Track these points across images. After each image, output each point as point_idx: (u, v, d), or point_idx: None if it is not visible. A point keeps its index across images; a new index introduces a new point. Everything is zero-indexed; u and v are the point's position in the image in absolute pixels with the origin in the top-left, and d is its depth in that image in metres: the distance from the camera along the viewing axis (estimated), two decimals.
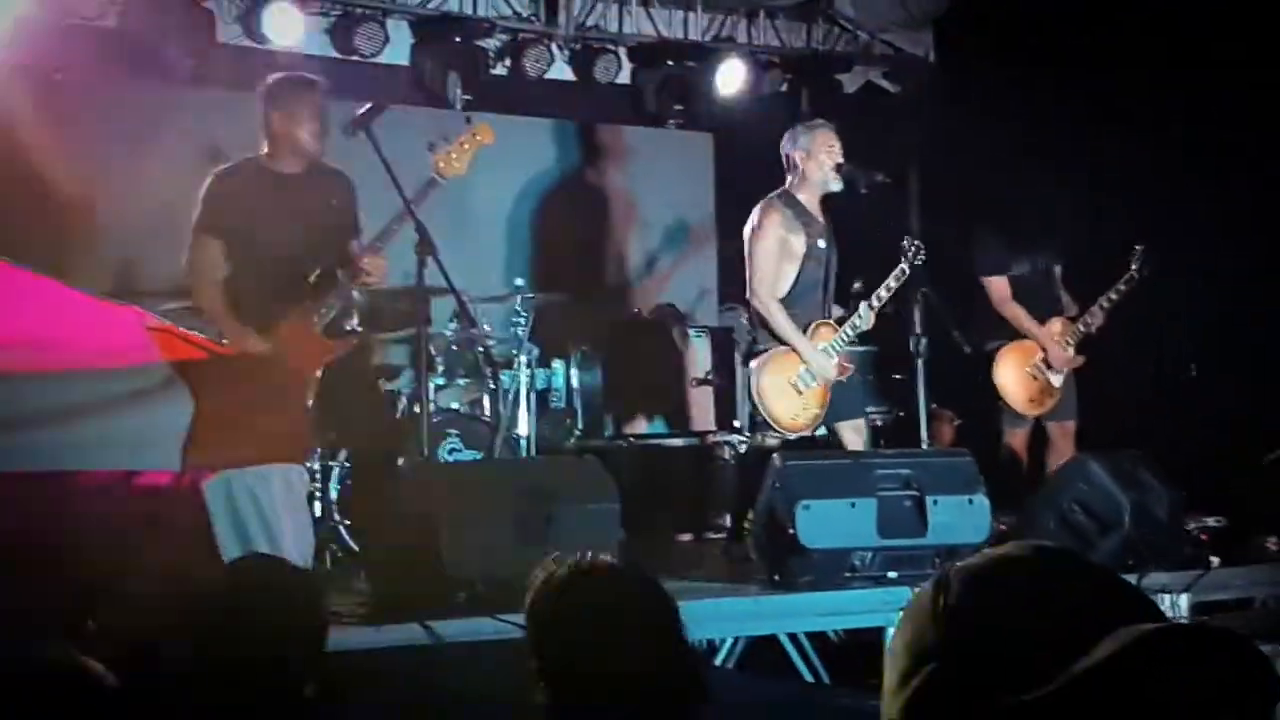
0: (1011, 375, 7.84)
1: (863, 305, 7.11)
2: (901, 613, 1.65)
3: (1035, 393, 7.86)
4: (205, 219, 6.25)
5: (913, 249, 7.07)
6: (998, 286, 7.88)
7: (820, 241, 7.17)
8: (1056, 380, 7.85)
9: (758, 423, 7.22)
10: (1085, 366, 7.93)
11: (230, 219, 6.23)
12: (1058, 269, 8.10)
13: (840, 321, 7.16)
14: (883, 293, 7.11)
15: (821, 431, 7.23)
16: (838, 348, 7.09)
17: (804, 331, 7.08)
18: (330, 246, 6.36)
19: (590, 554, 2.85)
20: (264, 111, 6.32)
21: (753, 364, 7.15)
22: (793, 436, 7.09)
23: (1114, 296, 7.84)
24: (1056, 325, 7.91)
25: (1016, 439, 7.95)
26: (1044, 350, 7.84)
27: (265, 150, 6.37)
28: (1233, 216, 8.24)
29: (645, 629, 2.78)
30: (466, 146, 6.44)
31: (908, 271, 7.08)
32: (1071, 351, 7.88)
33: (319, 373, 5.97)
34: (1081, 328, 7.90)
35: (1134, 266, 7.80)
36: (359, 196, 6.51)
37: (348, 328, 6.19)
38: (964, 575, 1.61)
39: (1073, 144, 8.76)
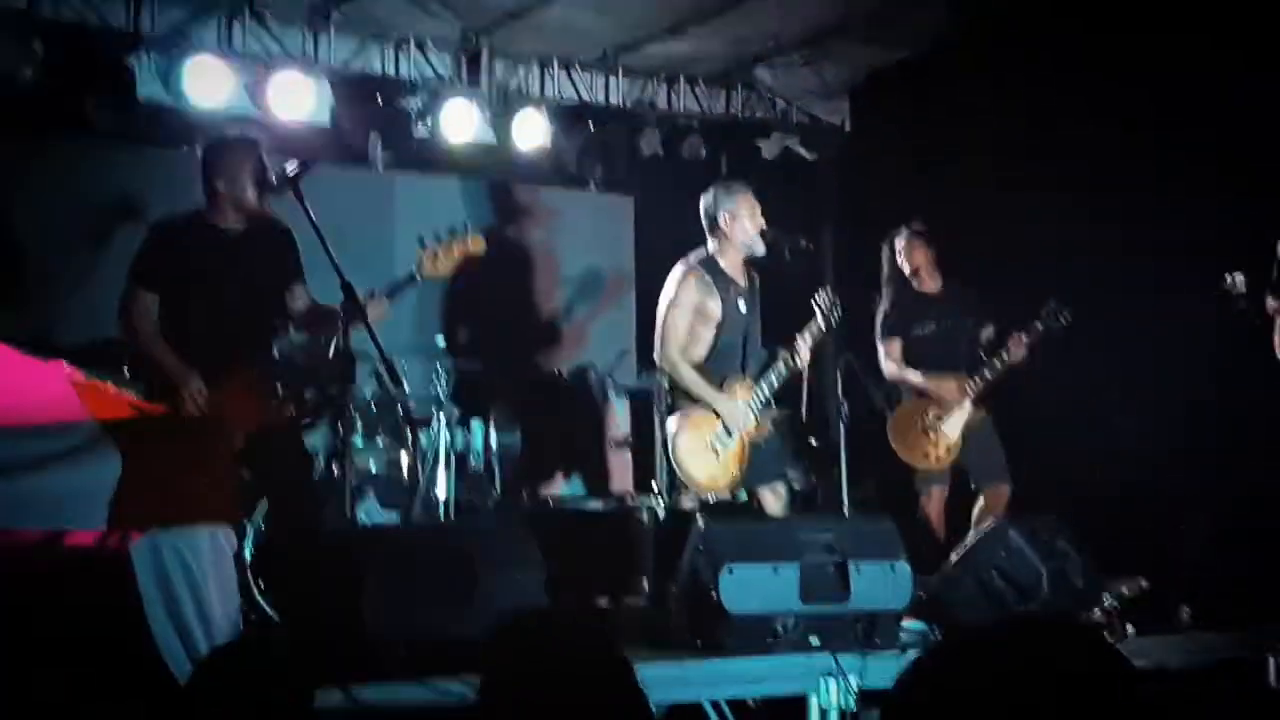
0: (904, 435, 7.94)
1: (779, 361, 7.13)
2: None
3: (929, 447, 7.96)
4: (140, 268, 6.19)
5: (829, 303, 7.09)
6: (887, 349, 8.07)
7: (740, 304, 7.18)
8: (952, 431, 7.96)
9: (677, 484, 7.18)
10: (1017, 429, 8.08)
11: (166, 271, 6.17)
12: (984, 331, 8.24)
13: (757, 379, 7.16)
14: (799, 348, 7.11)
15: (741, 495, 7.24)
16: (754, 406, 7.10)
17: (720, 388, 7.08)
18: (272, 304, 6.32)
19: (545, 610, 2.82)
20: (204, 172, 6.27)
21: (669, 424, 7.14)
22: (711, 498, 7.09)
23: (1010, 352, 7.97)
24: (951, 382, 8.03)
25: (931, 501, 8.05)
26: (937, 404, 7.96)
27: (205, 204, 6.32)
28: (1153, 274, 8.38)
29: (600, 685, 2.73)
30: (455, 252, 6.48)
31: (823, 328, 7.10)
32: (967, 403, 7.99)
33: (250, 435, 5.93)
34: (978, 381, 8.02)
35: (1043, 316, 7.94)
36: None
37: (281, 391, 6.15)
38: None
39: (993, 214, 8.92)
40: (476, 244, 6.54)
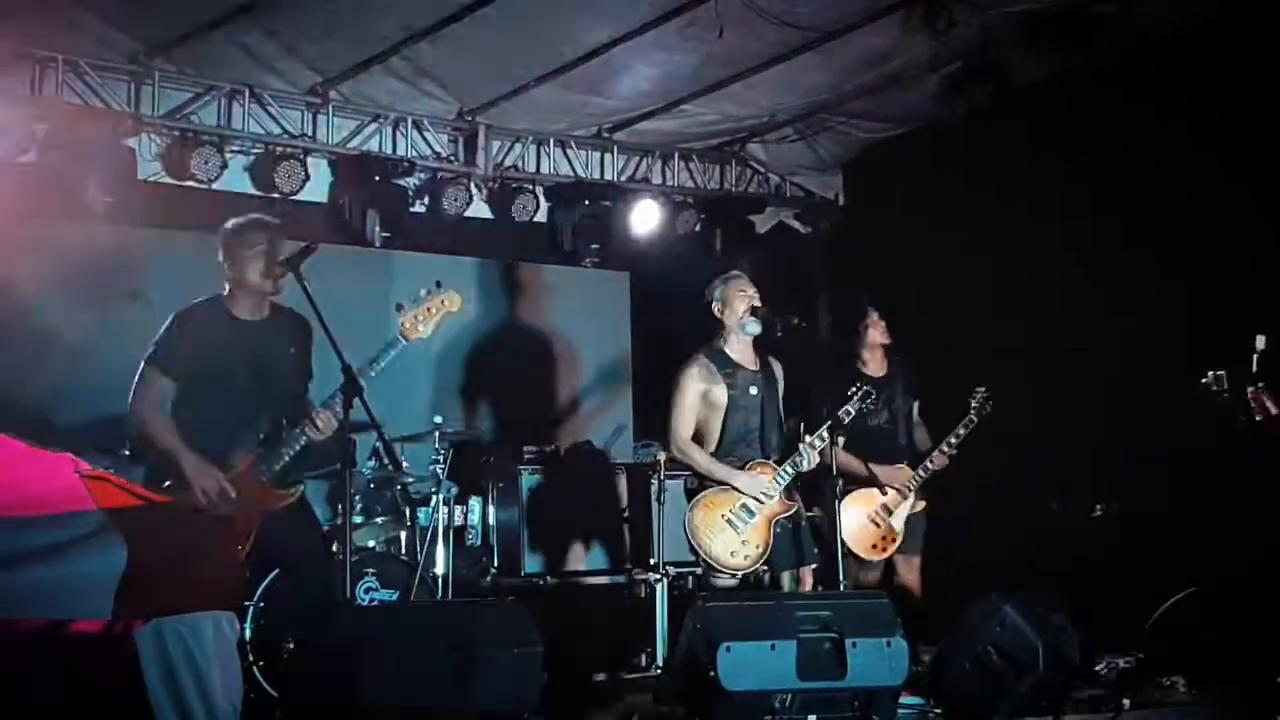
0: (854, 521, 7.90)
1: (795, 453, 7.11)
2: None
3: (878, 538, 7.96)
4: (157, 355, 6.23)
5: (842, 413, 7.13)
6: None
7: (751, 389, 7.19)
8: (898, 524, 8.03)
9: (701, 563, 7.14)
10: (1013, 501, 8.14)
11: (183, 360, 6.21)
12: (914, 406, 8.31)
13: (780, 462, 7.15)
14: (825, 432, 7.09)
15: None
16: (777, 484, 7.08)
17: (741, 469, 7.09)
18: (283, 394, 6.37)
19: None
20: (221, 257, 6.35)
21: (689, 505, 7.14)
22: (734, 576, 7.05)
23: (954, 440, 8.02)
24: (902, 474, 8.05)
25: (868, 581, 8.02)
26: (884, 493, 7.98)
27: (226, 291, 6.38)
28: (1133, 349, 8.50)
29: None
30: (433, 311, 6.47)
31: (853, 411, 7.13)
32: (913, 496, 8.03)
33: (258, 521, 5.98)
34: (923, 472, 8.04)
35: (974, 407, 7.99)
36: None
37: (290, 478, 6.21)
38: None
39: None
40: (453, 301, 6.55)
